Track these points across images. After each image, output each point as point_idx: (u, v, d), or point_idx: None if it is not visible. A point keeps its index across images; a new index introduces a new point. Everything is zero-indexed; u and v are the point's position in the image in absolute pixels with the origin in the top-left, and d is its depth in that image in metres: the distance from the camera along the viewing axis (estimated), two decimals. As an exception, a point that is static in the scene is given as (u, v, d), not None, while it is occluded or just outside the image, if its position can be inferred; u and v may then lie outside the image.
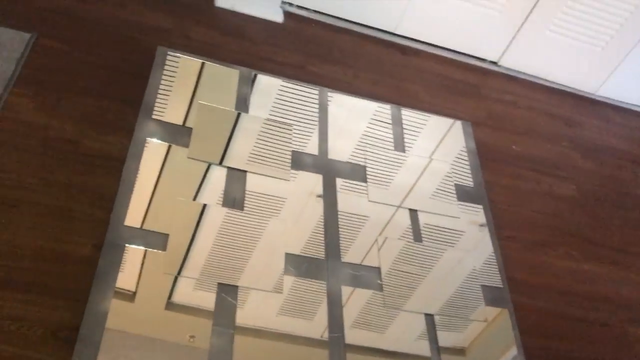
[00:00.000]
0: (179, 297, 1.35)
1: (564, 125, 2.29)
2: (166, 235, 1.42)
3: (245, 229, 1.51)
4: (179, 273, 1.38)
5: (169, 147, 1.60)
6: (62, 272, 1.31)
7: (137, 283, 1.34)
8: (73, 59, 1.71)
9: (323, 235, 1.57)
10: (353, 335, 1.42)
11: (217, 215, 1.51)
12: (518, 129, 2.19)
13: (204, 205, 1.51)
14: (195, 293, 1.37)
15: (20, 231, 1.34)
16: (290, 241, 1.53)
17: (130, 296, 1.31)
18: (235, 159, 1.64)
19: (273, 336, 1.38)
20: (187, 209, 1.50)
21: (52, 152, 1.49)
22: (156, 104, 1.67)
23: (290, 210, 1.60)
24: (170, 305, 1.34)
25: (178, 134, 1.63)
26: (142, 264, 1.37)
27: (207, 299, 1.37)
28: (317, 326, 1.42)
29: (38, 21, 1.75)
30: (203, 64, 1.84)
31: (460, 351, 1.50)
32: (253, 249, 1.48)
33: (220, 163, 1.62)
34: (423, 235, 1.69)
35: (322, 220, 1.61)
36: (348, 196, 1.69)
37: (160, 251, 1.40)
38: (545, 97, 2.37)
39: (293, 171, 1.68)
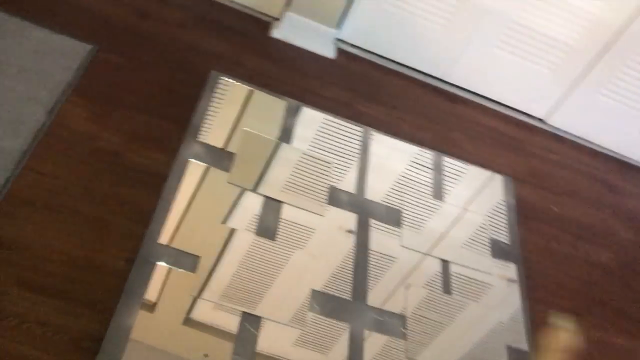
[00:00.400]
0: (197, 314, 1.36)
1: (607, 191, 2.24)
2: (197, 257, 1.44)
3: (275, 259, 1.52)
4: (202, 296, 1.39)
5: (210, 169, 1.62)
6: (93, 282, 1.33)
7: (160, 295, 1.35)
8: (129, 74, 1.76)
9: (351, 275, 1.56)
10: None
11: (248, 242, 1.52)
12: (559, 189, 2.16)
13: (237, 231, 1.52)
14: (214, 313, 1.37)
15: (57, 236, 1.37)
16: (318, 276, 1.52)
17: (150, 307, 1.33)
18: (273, 188, 1.65)
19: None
20: (221, 233, 1.51)
21: (98, 163, 1.53)
22: (203, 126, 1.70)
23: (320, 243, 1.60)
24: (188, 321, 1.35)
25: (220, 158, 1.66)
26: (168, 279, 1.38)
27: (225, 320, 1.37)
28: (335, 367, 1.40)
29: (100, 34, 1.81)
30: (252, 91, 1.87)
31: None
32: (280, 281, 1.48)
33: (258, 191, 1.63)
34: (452, 287, 1.66)
35: (351, 257, 1.60)
36: (380, 238, 1.68)
37: (190, 272, 1.41)
38: (591, 160, 2.34)
39: (328, 206, 1.68)
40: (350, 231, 1.66)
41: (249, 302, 1.41)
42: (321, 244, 1.60)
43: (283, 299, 1.45)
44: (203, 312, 1.37)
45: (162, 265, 1.39)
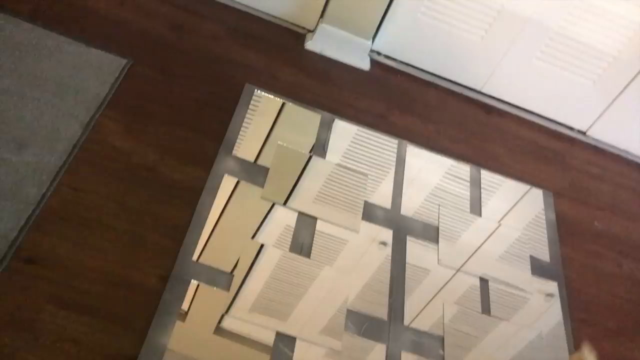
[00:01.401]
0: (227, 325, 1.34)
1: (651, 206, 2.16)
2: (231, 276, 1.42)
3: (310, 277, 1.49)
4: (239, 314, 1.36)
5: (244, 185, 1.60)
6: (127, 300, 1.32)
7: (190, 304, 1.33)
8: (164, 88, 1.75)
9: (387, 293, 1.52)
10: None
11: (283, 259, 1.49)
12: (602, 204, 2.09)
13: (271, 248, 1.50)
14: (245, 324, 1.35)
15: (91, 253, 1.36)
16: (354, 295, 1.49)
17: (182, 315, 1.31)
18: (307, 203, 1.63)
19: None
20: (254, 250, 1.48)
21: (132, 178, 1.52)
22: (238, 141, 1.68)
23: (355, 260, 1.56)
24: (219, 330, 1.33)
25: (255, 173, 1.64)
26: (201, 297, 1.36)
27: (257, 330, 1.35)
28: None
29: (135, 48, 1.81)
30: (287, 104, 1.85)
31: None
32: (315, 299, 1.45)
33: (292, 206, 1.60)
34: (492, 306, 1.61)
35: (387, 275, 1.56)
36: (417, 255, 1.64)
37: (224, 290, 1.39)
38: (633, 172, 2.26)
39: (363, 222, 1.65)
40: (382, 243, 1.62)
41: (283, 321, 1.38)
42: (356, 261, 1.57)
43: (318, 318, 1.42)
44: (233, 323, 1.35)
45: (196, 283, 1.37)
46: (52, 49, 1.70)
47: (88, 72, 1.68)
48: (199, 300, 1.36)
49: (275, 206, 1.59)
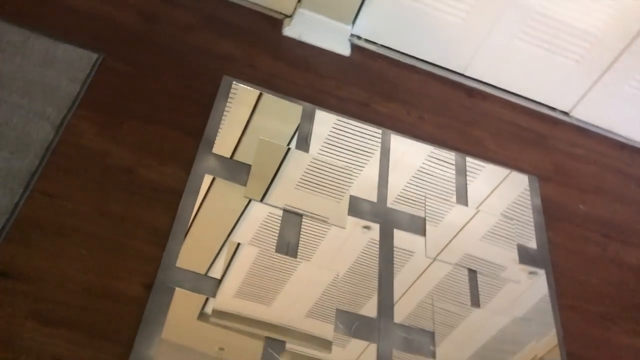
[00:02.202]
0: (211, 310, 1.32)
1: (635, 187, 2.16)
2: (217, 280, 1.38)
3: (297, 275, 1.45)
4: (227, 322, 1.33)
5: (226, 184, 1.55)
6: (110, 311, 1.27)
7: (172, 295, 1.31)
8: (138, 83, 1.68)
9: (376, 290, 1.50)
10: None
11: (270, 261, 1.46)
12: (586, 186, 2.08)
13: (256, 250, 1.46)
14: (227, 307, 1.33)
15: (70, 264, 1.31)
16: (342, 293, 1.46)
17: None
18: (291, 200, 1.59)
19: None
20: (239, 252, 1.44)
21: (110, 181, 1.47)
22: (217, 137, 1.63)
23: (346, 264, 1.53)
24: (202, 315, 1.31)
25: (236, 171, 1.59)
26: (186, 304, 1.33)
27: (240, 311, 1.34)
28: (348, 355, 1.35)
29: (106, 41, 1.73)
30: (266, 96, 1.79)
31: None
32: (304, 302, 1.42)
33: (276, 204, 1.56)
34: (482, 300, 1.60)
35: (375, 271, 1.53)
36: (405, 248, 1.62)
37: (210, 298, 1.35)
38: (618, 153, 2.25)
39: (350, 218, 1.62)
40: (365, 227, 1.59)
41: (273, 328, 1.35)
42: (344, 260, 1.54)
43: (307, 320, 1.39)
44: (216, 307, 1.33)
45: (181, 290, 1.33)
46: (18, 45, 1.61)
47: (57, 69, 1.61)
48: (180, 300, 1.32)
49: (259, 205, 1.55)
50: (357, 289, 1.49)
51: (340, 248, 1.55)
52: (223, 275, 1.39)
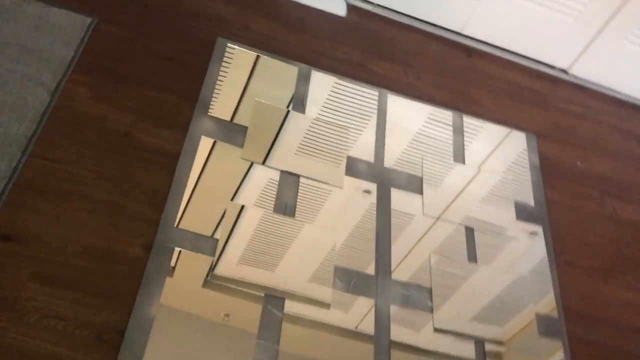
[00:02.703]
0: (215, 277, 1.34)
1: (634, 143, 2.16)
2: (215, 240, 1.39)
3: (295, 235, 1.47)
4: (224, 280, 1.35)
5: (223, 145, 1.56)
6: (110, 272, 1.29)
7: (177, 260, 1.33)
8: (133, 47, 1.68)
9: (374, 248, 1.52)
10: (398, 334, 1.38)
11: (267, 219, 1.47)
12: (585, 143, 2.08)
13: (253, 209, 1.48)
14: (233, 273, 1.35)
15: (71, 226, 1.33)
16: (340, 251, 1.48)
17: (169, 271, 1.30)
18: (289, 161, 1.59)
19: (319, 326, 1.35)
20: (237, 213, 1.46)
21: (107, 145, 1.47)
22: (213, 100, 1.63)
23: (340, 216, 1.55)
24: (207, 283, 1.33)
25: (233, 133, 1.59)
26: (186, 264, 1.35)
27: (246, 277, 1.35)
28: (353, 317, 1.37)
29: (99, 5, 1.72)
30: (262, 58, 1.79)
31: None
32: (303, 260, 1.44)
33: (273, 165, 1.57)
34: (479, 255, 1.61)
35: (373, 230, 1.55)
36: (402, 207, 1.63)
37: (209, 256, 1.37)
38: (616, 110, 2.24)
39: (348, 178, 1.62)
40: (367, 191, 1.60)
41: (271, 281, 1.38)
42: (342, 217, 1.55)
43: (306, 276, 1.41)
44: (222, 273, 1.35)
45: (180, 250, 1.35)
46: (9, 10, 1.60)
47: (51, 34, 1.60)
48: (184, 266, 1.34)
49: (256, 166, 1.56)
50: (355, 248, 1.51)
51: (339, 209, 1.57)
52: (227, 239, 1.40)
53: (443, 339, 1.43)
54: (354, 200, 1.59)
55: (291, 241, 1.46)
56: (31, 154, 1.39)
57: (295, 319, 1.34)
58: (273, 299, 1.35)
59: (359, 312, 1.41)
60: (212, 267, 1.35)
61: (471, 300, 1.53)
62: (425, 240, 1.60)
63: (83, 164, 1.42)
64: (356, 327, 1.38)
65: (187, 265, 1.34)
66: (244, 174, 1.53)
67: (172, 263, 1.33)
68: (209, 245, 1.38)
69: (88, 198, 1.38)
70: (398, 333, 1.40)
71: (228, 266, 1.37)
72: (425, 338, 1.42)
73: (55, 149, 1.42)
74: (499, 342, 1.48)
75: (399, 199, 1.64)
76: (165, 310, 1.26)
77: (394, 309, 1.43)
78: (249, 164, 1.55)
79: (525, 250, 1.68)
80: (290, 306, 1.36)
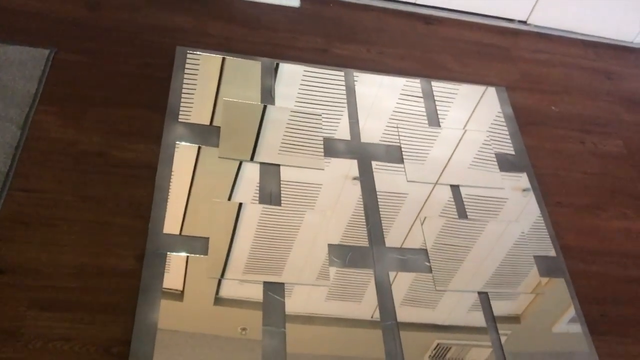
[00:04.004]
0: (226, 292, 1.34)
1: (604, 79, 2.18)
2: (206, 239, 1.40)
3: (285, 224, 1.48)
4: (222, 276, 1.36)
5: (199, 148, 1.57)
6: (107, 287, 1.30)
7: (184, 283, 1.33)
8: (94, 70, 1.69)
9: (364, 222, 1.53)
10: (405, 313, 1.38)
11: (254, 212, 1.48)
12: (556, 88, 2.10)
13: (241, 204, 1.49)
14: (242, 287, 1.35)
15: (60, 250, 1.34)
16: (332, 231, 1.49)
17: (178, 295, 1.30)
18: (266, 153, 1.61)
19: (324, 321, 1.35)
20: (224, 210, 1.47)
21: (84, 167, 1.48)
22: (181, 106, 1.64)
23: (328, 198, 1.56)
24: (218, 300, 1.33)
25: (207, 134, 1.60)
26: (186, 268, 1.35)
27: (255, 292, 1.35)
28: (367, 308, 1.38)
29: (55, 36, 1.74)
30: (224, 59, 1.80)
31: (514, 319, 1.45)
32: (295, 243, 1.45)
33: (252, 159, 1.58)
34: (467, 210, 1.63)
35: (362, 205, 1.56)
36: (386, 178, 1.64)
37: (202, 255, 1.38)
38: (581, 51, 2.27)
39: (327, 158, 1.64)
40: (356, 178, 1.62)
41: (269, 271, 1.39)
42: (329, 198, 1.56)
43: (303, 261, 1.42)
44: (231, 288, 1.34)
45: (172, 255, 1.36)
46: (-32, 56, 1.62)
47: (12, 71, 1.61)
48: (185, 272, 1.35)
49: (236, 163, 1.57)
50: (346, 225, 1.52)
51: (323, 191, 1.58)
52: (231, 239, 1.41)
53: (447, 297, 1.44)
54: (340, 186, 1.60)
55: (282, 233, 1.47)
56: (10, 188, 1.40)
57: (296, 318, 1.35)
58: (272, 285, 1.36)
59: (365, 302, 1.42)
60: (219, 284, 1.36)
61: (468, 255, 1.54)
62: (413, 205, 1.61)
63: (63, 190, 1.43)
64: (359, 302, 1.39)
65: (195, 287, 1.33)
66: (225, 173, 1.54)
67: (180, 287, 1.32)
68: (200, 245, 1.39)
69: (73, 221, 1.39)
70: (400, 295, 1.41)
71: (234, 282, 1.36)
72: (427, 298, 1.43)
73: (33, 179, 1.43)
74: (503, 291, 1.49)
75: (381, 170, 1.65)
76: (180, 336, 1.25)
77: (393, 276, 1.44)
78: (229, 162, 1.56)
79: (514, 199, 1.69)
80: (290, 289, 1.36)
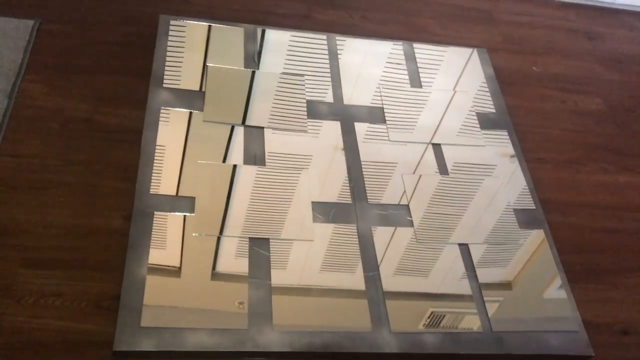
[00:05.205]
0: (222, 268, 1.37)
1: (584, 39, 2.21)
2: (192, 199, 1.44)
3: (270, 185, 1.52)
4: (209, 233, 1.40)
5: (183, 112, 1.60)
6: (96, 246, 1.34)
7: (181, 260, 1.35)
8: (78, 39, 1.71)
9: (347, 179, 1.56)
10: (390, 282, 1.42)
11: (239, 173, 1.52)
12: (537, 49, 2.13)
13: (226, 165, 1.52)
14: (238, 261, 1.38)
15: (50, 212, 1.37)
16: (316, 190, 1.53)
17: (175, 272, 1.34)
18: (250, 116, 1.64)
19: (314, 293, 1.38)
20: (210, 171, 1.50)
21: (71, 133, 1.51)
22: (166, 73, 1.67)
23: (313, 159, 1.59)
24: (215, 275, 1.36)
25: (191, 99, 1.63)
26: (182, 246, 1.39)
27: (232, 247, 1.39)
28: (357, 279, 1.42)
29: (39, 7, 1.76)
30: (208, 26, 1.82)
31: (505, 285, 1.49)
32: (279, 203, 1.49)
33: (236, 122, 1.61)
34: (449, 168, 1.66)
35: (343, 163, 1.59)
36: (369, 139, 1.67)
37: (188, 214, 1.41)
38: (562, 12, 2.29)
39: (310, 121, 1.67)
40: (343, 149, 1.64)
41: (254, 228, 1.42)
42: (312, 158, 1.60)
43: (287, 218, 1.46)
44: (227, 264, 1.37)
45: (160, 213, 1.40)
46: (-47, 28, 1.64)
47: (-3, 42, 1.64)
48: (171, 235, 1.38)
49: (220, 126, 1.60)
50: (329, 184, 1.55)
51: (307, 152, 1.61)
52: (222, 199, 1.45)
53: (427, 252, 1.48)
54: (325, 150, 1.63)
55: (268, 192, 1.50)
56: (0, 154, 1.43)
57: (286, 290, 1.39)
58: (258, 240, 1.40)
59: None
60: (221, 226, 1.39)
61: (448, 210, 1.57)
62: (394, 163, 1.64)
63: (51, 154, 1.46)
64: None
65: (192, 263, 1.35)
66: (211, 136, 1.58)
67: (177, 264, 1.34)
68: (186, 204, 1.43)
69: (62, 184, 1.42)
70: (382, 249, 1.46)
71: (229, 255, 1.39)
72: (415, 266, 1.47)
73: (21, 145, 1.46)
74: (483, 242, 1.53)
75: (364, 131, 1.68)
76: (177, 311, 1.26)
77: (375, 230, 1.48)
78: (214, 125, 1.59)
79: (495, 156, 1.73)
80: (275, 245, 1.40)
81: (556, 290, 1.49)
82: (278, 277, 1.36)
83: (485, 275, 1.47)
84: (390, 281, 1.41)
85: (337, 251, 1.44)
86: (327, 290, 1.38)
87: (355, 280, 1.40)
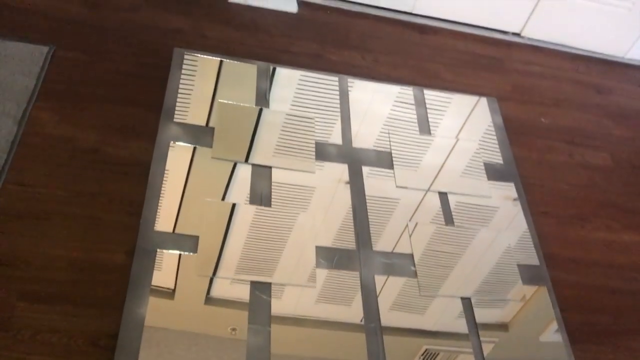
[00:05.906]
0: (217, 292, 1.36)
1: (593, 93, 2.22)
2: (196, 238, 1.43)
3: (275, 225, 1.51)
4: (212, 274, 1.38)
5: (193, 148, 1.60)
6: (97, 281, 1.33)
7: (175, 281, 1.35)
8: (91, 68, 1.72)
9: (352, 224, 1.56)
10: (389, 317, 1.40)
11: (245, 213, 1.51)
12: (546, 100, 2.14)
13: (232, 204, 1.51)
14: (233, 287, 1.37)
15: (53, 243, 1.36)
16: (321, 233, 1.52)
17: (169, 294, 1.33)
18: (259, 155, 1.63)
19: (310, 324, 1.37)
20: (216, 210, 1.50)
21: (79, 163, 1.51)
22: (177, 106, 1.67)
23: (318, 201, 1.59)
24: (209, 300, 1.35)
25: (201, 135, 1.63)
26: (178, 266, 1.38)
27: (245, 292, 1.37)
28: (354, 312, 1.41)
29: (54, 33, 1.76)
30: (220, 61, 1.83)
31: (501, 327, 1.48)
32: (284, 244, 1.48)
33: (245, 161, 1.61)
34: (455, 217, 1.66)
35: (350, 208, 1.59)
36: (376, 184, 1.67)
37: (191, 253, 1.40)
38: (572, 65, 2.30)
39: (318, 162, 1.67)
40: (348, 182, 1.64)
41: (257, 271, 1.41)
42: (320, 201, 1.59)
43: (290, 262, 1.45)
44: (222, 288, 1.36)
45: (162, 252, 1.39)
46: (-32, 50, 1.64)
47: (11, 66, 1.64)
48: (176, 270, 1.37)
49: (229, 163, 1.59)
50: (335, 227, 1.55)
51: (314, 194, 1.61)
52: (223, 239, 1.44)
53: (435, 304, 1.47)
54: (331, 190, 1.63)
55: (271, 235, 1.49)
56: (5, 182, 1.43)
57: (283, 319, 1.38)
58: (260, 284, 1.39)
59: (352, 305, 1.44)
60: (210, 284, 1.38)
61: (453, 262, 1.57)
62: (401, 210, 1.64)
63: (57, 184, 1.46)
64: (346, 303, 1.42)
65: (186, 286, 1.35)
66: (218, 173, 1.57)
67: (171, 285, 1.34)
68: (190, 243, 1.42)
69: (66, 215, 1.41)
70: (386, 296, 1.44)
71: (225, 282, 1.39)
72: (413, 303, 1.46)
73: (28, 173, 1.46)
74: (486, 297, 1.51)
75: (371, 175, 1.68)
76: (170, 334, 1.27)
77: (379, 278, 1.47)
78: (222, 163, 1.59)
79: (500, 208, 1.72)
80: (278, 291, 1.39)
81: (557, 351, 1.47)
82: (275, 307, 1.35)
83: (493, 335, 1.45)
84: (387, 316, 1.39)
85: (339, 296, 1.42)
86: (326, 323, 1.37)
87: (358, 332, 1.38)
